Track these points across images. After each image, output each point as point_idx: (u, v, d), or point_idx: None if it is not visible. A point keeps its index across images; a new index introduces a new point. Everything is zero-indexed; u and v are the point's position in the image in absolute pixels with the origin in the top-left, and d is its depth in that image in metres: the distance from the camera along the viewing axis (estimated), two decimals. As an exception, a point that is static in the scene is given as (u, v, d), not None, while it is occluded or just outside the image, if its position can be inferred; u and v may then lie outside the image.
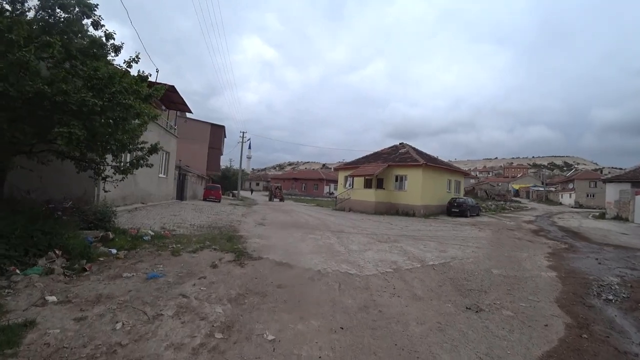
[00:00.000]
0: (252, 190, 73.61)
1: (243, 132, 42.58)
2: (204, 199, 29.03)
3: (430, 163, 25.86)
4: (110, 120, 5.98)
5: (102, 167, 7.72)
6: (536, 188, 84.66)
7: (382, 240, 11.05)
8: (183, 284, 5.26)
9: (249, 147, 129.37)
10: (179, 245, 7.98)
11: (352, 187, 28.45)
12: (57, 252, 6.08)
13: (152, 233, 8.94)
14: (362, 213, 24.98)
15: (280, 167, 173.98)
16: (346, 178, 30.49)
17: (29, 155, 6.96)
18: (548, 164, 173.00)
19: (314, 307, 4.62)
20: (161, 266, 6.23)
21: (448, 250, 9.69)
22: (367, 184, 27.60)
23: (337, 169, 32.70)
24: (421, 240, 11.57)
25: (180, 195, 24.38)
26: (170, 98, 18.74)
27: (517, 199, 73.99)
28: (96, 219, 8.84)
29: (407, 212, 24.62)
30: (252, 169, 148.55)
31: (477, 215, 27.24)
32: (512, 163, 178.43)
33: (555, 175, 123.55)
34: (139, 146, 8.06)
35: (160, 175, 18.16)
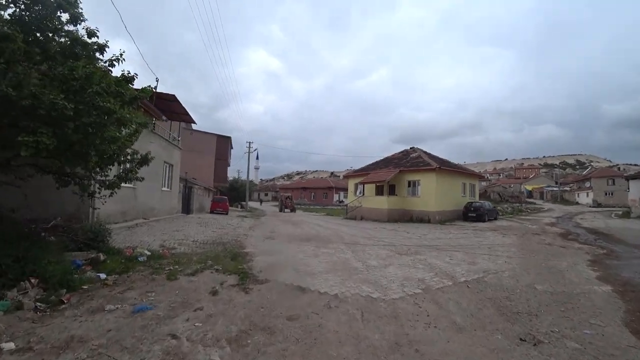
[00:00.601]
0: (261, 201, 72.90)
1: (249, 142, 42.01)
2: (211, 212, 28.28)
3: (444, 167, 24.79)
4: (89, 128, 5.14)
5: (86, 182, 6.87)
6: (550, 188, 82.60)
7: (402, 252, 10.06)
8: (175, 317, 4.38)
9: (257, 158, 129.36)
10: (177, 267, 7.13)
11: (363, 194, 27.49)
12: (32, 281, 5.26)
13: (149, 253, 8.11)
14: (375, 221, 23.99)
15: (289, 176, 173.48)
16: (356, 185, 29.55)
17: (3, 170, 6.15)
18: (560, 163, 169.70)
19: (334, 348, 3.69)
20: (153, 294, 5.37)
21: (478, 262, 8.67)
22: (379, 191, 26.64)
23: (346, 177, 31.77)
24: (444, 250, 10.56)
25: (187, 208, 23.64)
26: (171, 108, 18.09)
27: (531, 200, 72.07)
28: (87, 238, 8.04)
29: (421, 219, 23.57)
30: (260, 179, 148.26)
31: (495, 219, 26.01)
32: (523, 164, 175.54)
33: (568, 174, 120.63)
34: (129, 157, 7.22)
35: (163, 188, 17.43)
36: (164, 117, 15.17)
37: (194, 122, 20.98)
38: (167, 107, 17.90)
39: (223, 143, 41.05)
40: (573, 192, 72.85)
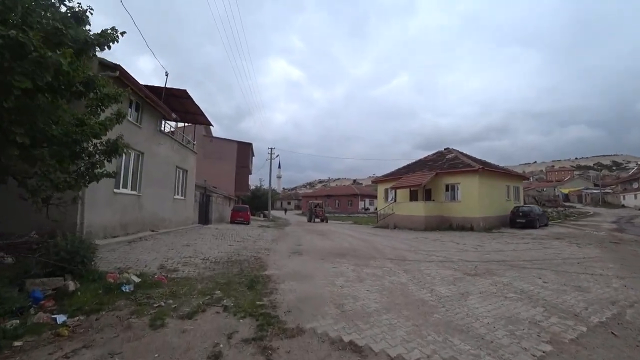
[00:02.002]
0: (285, 210, 70.98)
1: (271, 149, 40.25)
2: (231, 222, 26.41)
3: (488, 167, 22.10)
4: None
5: (36, 183, 4.89)
6: (589, 191, 77.23)
7: (470, 272, 7.67)
8: None
9: (279, 167, 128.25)
10: (170, 302, 5.05)
11: (395, 200, 25.01)
12: None
13: (138, 280, 6.06)
14: (411, 230, 21.51)
15: (311, 185, 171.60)
16: (387, 191, 27.13)
17: None
18: (594, 164, 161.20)
19: None
20: (119, 356, 3.30)
21: (586, 287, 6.25)
22: (413, 196, 24.19)
23: (376, 182, 29.36)
24: (523, 268, 8.10)
25: (205, 218, 21.85)
26: (184, 107, 16.31)
27: (569, 204, 67.20)
28: (60, 259, 6.07)
29: (463, 226, 20.93)
30: (283, 188, 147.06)
31: (546, 225, 23.04)
32: (554, 166, 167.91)
33: (605, 175, 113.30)
34: (95, 147, 5.22)
35: (175, 196, 15.59)
36: (174, 115, 13.37)
37: (211, 124, 19.27)
38: (179, 106, 16.15)
39: (244, 150, 39.43)
40: (616, 194, 67.52)
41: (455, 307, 4.96)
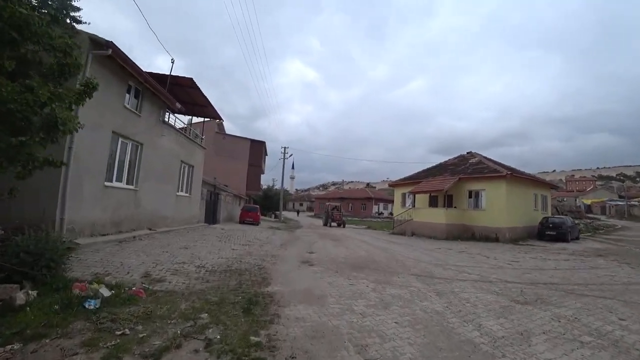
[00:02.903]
0: (298, 212, 69.78)
1: (285, 148, 39.12)
2: (240, 222, 25.31)
3: (516, 174, 20.46)
4: None
5: None
6: (613, 202, 73.84)
7: (517, 298, 6.27)
8: None
9: (292, 167, 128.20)
10: (139, 328, 3.87)
11: (414, 205, 23.53)
12: None
13: (108, 293, 4.88)
14: (430, 238, 20.02)
15: (324, 187, 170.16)
16: (405, 195, 25.64)
17: None
18: (617, 175, 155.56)
19: None
20: None
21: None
22: (433, 202, 22.71)
23: (392, 185, 27.87)
24: (582, 295, 6.64)
25: (212, 217, 20.78)
26: (192, 98, 15.28)
27: (592, 215, 64.11)
28: (20, 262, 4.97)
29: (487, 237, 19.30)
30: (296, 189, 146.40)
31: (577, 238, 21.22)
32: (574, 175, 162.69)
33: (629, 187, 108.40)
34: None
35: (178, 193, 14.50)
36: (178, 105, 12.25)
37: (220, 118, 18.20)
38: (186, 97, 15.12)
39: (257, 148, 38.43)
40: (644, 207, 64.21)
41: (519, 357, 3.63)
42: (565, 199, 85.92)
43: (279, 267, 8.22)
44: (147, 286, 5.61)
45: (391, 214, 62.98)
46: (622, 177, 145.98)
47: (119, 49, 8.24)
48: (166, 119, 12.85)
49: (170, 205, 13.42)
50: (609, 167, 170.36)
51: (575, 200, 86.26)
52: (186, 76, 12.79)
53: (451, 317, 4.95)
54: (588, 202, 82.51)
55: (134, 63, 9.06)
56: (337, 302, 5.44)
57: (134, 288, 5.36)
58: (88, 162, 8.27)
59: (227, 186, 32.51)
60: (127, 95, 9.99)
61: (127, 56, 8.67)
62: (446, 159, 27.28)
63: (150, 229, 11.42)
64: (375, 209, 59.74)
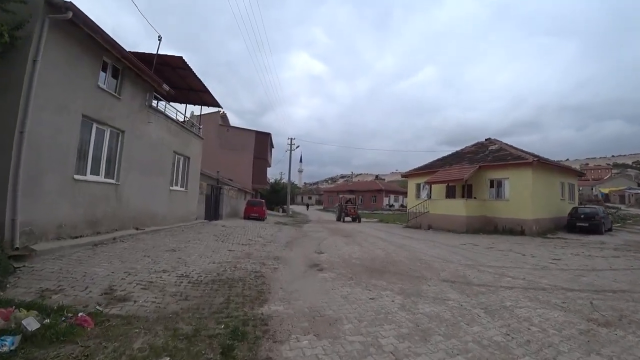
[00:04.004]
0: (307, 205, 68.23)
1: (291, 139, 37.66)
2: (245, 218, 23.95)
3: (543, 160, 18.70)
4: None
5: None
6: (633, 191, 70.98)
7: (591, 315, 4.75)
8: None
9: (300, 161, 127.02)
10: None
11: (430, 197, 21.92)
12: None
13: (37, 326, 3.48)
14: (449, 231, 18.50)
15: (333, 180, 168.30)
16: (420, 186, 24.02)
17: None
18: (633, 162, 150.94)
19: None
20: None
21: None
22: (450, 193, 21.11)
23: (406, 176, 26.17)
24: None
25: (214, 213, 19.44)
26: (186, 82, 13.80)
27: (611, 204, 61.58)
28: None
29: (511, 229, 17.71)
30: (304, 182, 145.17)
31: (610, 230, 19.49)
32: (588, 164, 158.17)
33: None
34: None
35: (172, 187, 13.09)
36: (166, 87, 10.75)
37: (219, 106, 16.71)
38: (179, 80, 13.68)
39: (262, 140, 37.02)
40: (667, 196, 61.47)
41: None
42: (581, 188, 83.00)
43: (280, 274, 6.77)
44: (100, 309, 4.21)
45: (402, 205, 61.33)
46: (638, 165, 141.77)
47: (83, 12, 6.77)
48: (156, 105, 11.44)
49: (162, 201, 12.04)
50: (624, 155, 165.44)
51: (592, 189, 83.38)
52: (175, 55, 11.33)
53: (521, 353, 3.45)
54: (606, 190, 79.53)
55: (105, 33, 7.58)
56: (356, 330, 3.97)
57: (80, 314, 3.95)
58: (50, 150, 6.87)
59: (231, 180, 31.22)
60: (103, 74, 8.54)
61: (94, 23, 7.20)
62: (457, 149, 25.61)
63: (137, 229, 10.07)
64: (385, 201, 58.14)
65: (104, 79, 8.61)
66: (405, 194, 65.83)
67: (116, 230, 9.24)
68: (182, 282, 5.64)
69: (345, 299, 5.18)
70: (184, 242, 9.70)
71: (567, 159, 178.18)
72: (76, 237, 7.63)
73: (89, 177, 8.23)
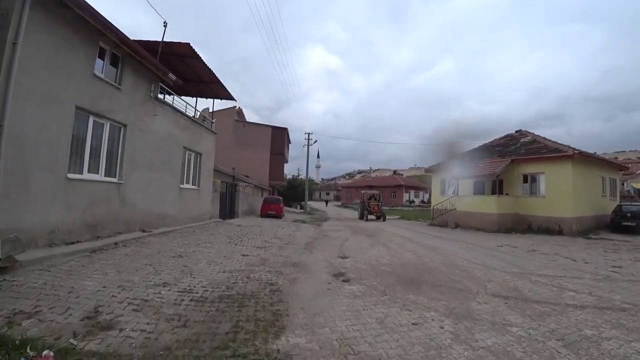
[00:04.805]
0: (327, 202, 66.91)
1: (309, 134, 36.73)
2: (262, 216, 23.14)
3: (584, 153, 17.12)
4: None
5: None
6: (668, 186, 67.13)
7: None
8: None
9: (318, 156, 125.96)
10: None
11: (457, 193, 20.59)
12: None
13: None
14: (479, 230, 17.24)
15: (350, 175, 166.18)
16: (445, 182, 22.65)
17: None
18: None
19: None
20: None
21: None
22: (478, 189, 19.71)
23: (429, 171, 24.84)
24: None
25: (230, 211, 18.68)
26: (195, 72, 12.93)
27: (644, 200, 58.25)
28: None
29: (547, 228, 16.29)
30: (322, 178, 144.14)
31: (657, 229, 17.77)
32: (617, 157, 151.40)
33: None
34: None
35: (183, 185, 12.27)
36: (172, 77, 9.88)
37: (232, 98, 15.83)
38: (188, 71, 12.83)
39: (279, 136, 36.17)
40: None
41: None
42: (610, 182, 78.89)
43: (300, 286, 5.78)
44: (74, 344, 3.32)
45: (423, 201, 59.59)
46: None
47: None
48: (163, 98, 10.59)
49: (171, 201, 11.24)
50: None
51: (623, 184, 79.41)
52: (182, 42, 10.44)
53: None
54: (638, 186, 75.69)
55: (100, 14, 6.71)
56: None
57: (45, 353, 3.06)
58: (37, 146, 6.05)
59: (248, 177, 30.49)
60: (100, 61, 7.71)
61: (86, 2, 6.33)
62: (479, 143, 24.03)
63: (143, 231, 9.29)
64: (405, 197, 56.64)
65: (101, 67, 7.77)
66: (425, 189, 64.35)
67: (120, 233, 8.45)
68: (183, 300, 4.72)
69: (381, 325, 4.16)
70: (194, 246, 8.85)
71: (595, 152, 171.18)
72: (72, 243, 6.84)
73: (86, 175, 7.42)
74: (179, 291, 5.09)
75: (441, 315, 4.59)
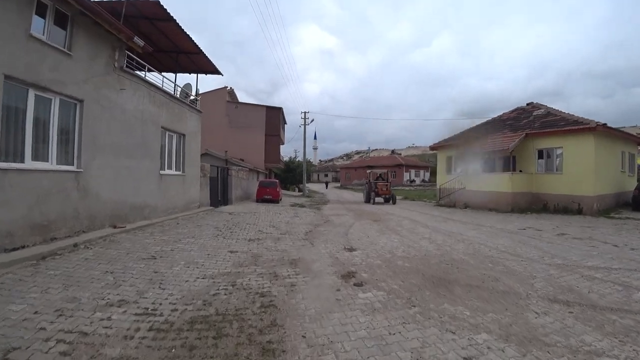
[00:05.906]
0: (327, 183, 65.15)
1: (305, 112, 35.03)
2: (258, 201, 21.79)
3: (607, 126, 15.61)
4: None
5: None
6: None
7: None
8: None
9: (315, 137, 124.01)
10: None
11: (467, 172, 19.22)
12: None
13: None
14: (491, 210, 16.02)
15: (348, 156, 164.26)
16: (451, 159, 21.26)
17: None
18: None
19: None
20: None
21: None
22: (490, 166, 18.35)
23: (434, 148, 23.35)
24: None
25: (223, 198, 17.30)
26: (172, 41, 11.20)
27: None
28: None
29: (565, 208, 15.06)
30: (320, 160, 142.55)
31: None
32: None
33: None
34: None
35: (164, 171, 10.81)
36: (140, 42, 8.26)
37: (219, 72, 14.17)
38: (163, 40, 11.17)
39: (273, 116, 34.47)
40: None
41: None
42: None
43: (301, 297, 4.46)
44: None
45: (424, 180, 58.29)
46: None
47: None
48: (122, 64, 9.00)
49: (150, 189, 9.81)
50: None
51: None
52: (149, 0, 8.79)
53: None
54: (640, 160, 74.39)
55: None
56: None
57: None
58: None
59: (242, 160, 29.02)
60: (40, 19, 6.15)
61: None
62: (478, 121, 22.53)
63: (115, 227, 7.93)
64: (406, 176, 55.32)
65: (42, 27, 6.21)
66: (426, 168, 62.87)
67: (83, 232, 7.09)
68: (138, 330, 3.40)
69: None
70: (172, 242, 7.51)
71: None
72: (14, 250, 5.47)
73: (30, 164, 5.96)
74: (136, 314, 3.76)
75: (497, 338, 3.30)
